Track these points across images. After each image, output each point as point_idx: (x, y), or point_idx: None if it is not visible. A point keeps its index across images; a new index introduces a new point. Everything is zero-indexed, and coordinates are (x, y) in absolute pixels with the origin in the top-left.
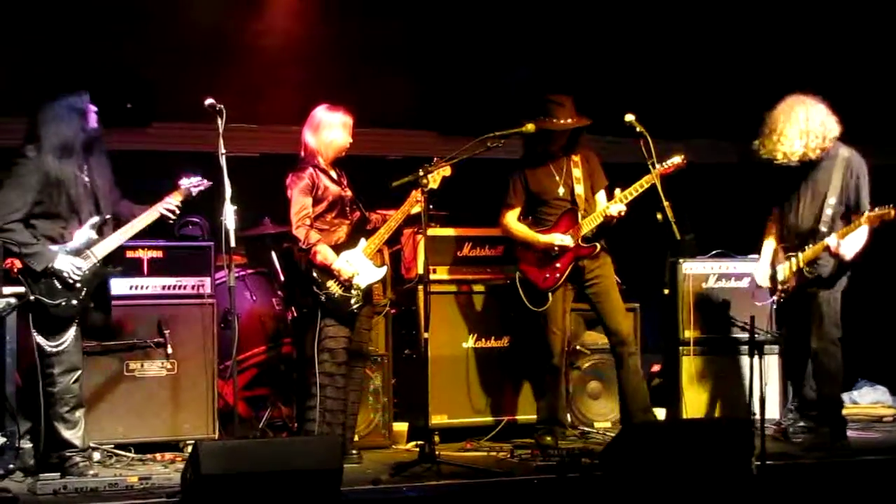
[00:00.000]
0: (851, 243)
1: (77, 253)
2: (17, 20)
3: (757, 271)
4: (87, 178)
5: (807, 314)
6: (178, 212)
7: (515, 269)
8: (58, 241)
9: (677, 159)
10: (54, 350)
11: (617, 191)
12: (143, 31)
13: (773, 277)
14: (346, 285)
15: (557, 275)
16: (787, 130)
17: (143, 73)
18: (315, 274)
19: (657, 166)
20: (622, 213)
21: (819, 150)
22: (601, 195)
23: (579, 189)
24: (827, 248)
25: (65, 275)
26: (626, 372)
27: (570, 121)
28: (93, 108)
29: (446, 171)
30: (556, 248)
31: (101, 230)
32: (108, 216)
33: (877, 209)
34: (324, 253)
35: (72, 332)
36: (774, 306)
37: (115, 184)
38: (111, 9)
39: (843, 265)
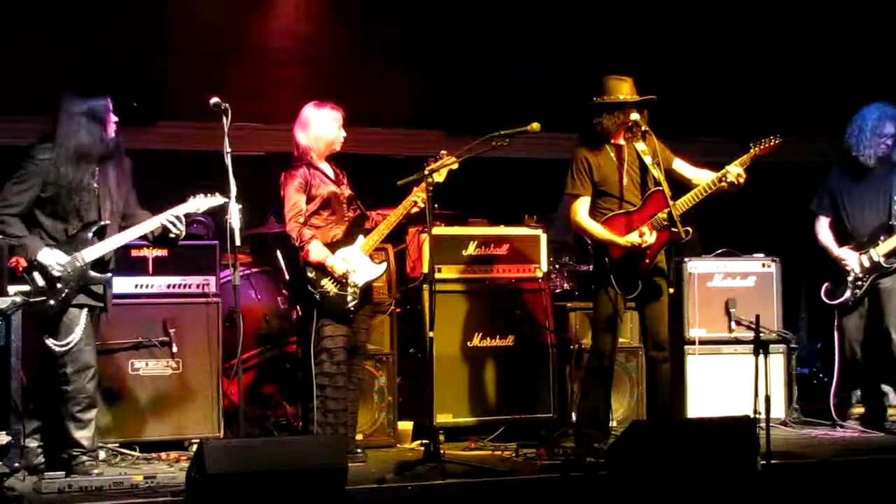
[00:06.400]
0: None
1: (66, 250)
2: (23, 19)
3: (850, 261)
4: (96, 185)
5: (879, 311)
6: (179, 225)
7: (598, 257)
8: (60, 241)
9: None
10: (63, 350)
11: (728, 166)
12: (150, 29)
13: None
14: (342, 283)
15: (647, 260)
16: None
17: (149, 71)
18: (310, 272)
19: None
20: (741, 180)
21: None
22: (681, 165)
23: (656, 172)
24: None
25: (47, 268)
26: (658, 377)
27: (634, 96)
28: (114, 117)
29: (454, 164)
30: (640, 247)
31: (101, 236)
32: (107, 222)
33: None
34: (316, 250)
35: (79, 331)
36: (850, 302)
37: (133, 189)
38: (118, 7)
39: None
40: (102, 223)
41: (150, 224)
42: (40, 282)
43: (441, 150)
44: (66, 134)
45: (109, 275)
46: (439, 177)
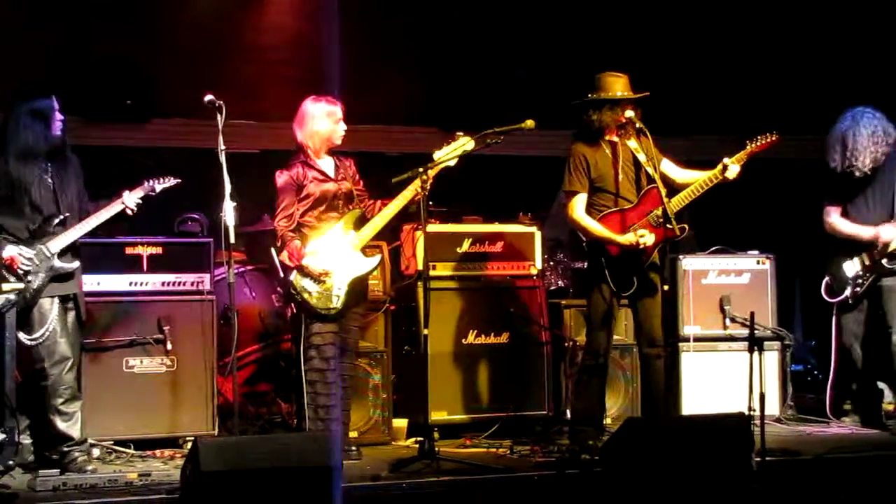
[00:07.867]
0: None
1: (30, 246)
2: (17, 16)
3: (885, 233)
4: (50, 180)
5: (880, 310)
6: (135, 209)
7: (594, 254)
8: (23, 239)
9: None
10: (34, 343)
11: (725, 159)
12: (144, 27)
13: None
14: (322, 282)
15: (645, 257)
16: (860, 145)
17: (143, 69)
18: (290, 274)
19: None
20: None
21: (885, 154)
22: (668, 166)
23: (650, 169)
24: None
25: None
26: (652, 374)
27: (630, 93)
28: (59, 115)
29: (468, 143)
30: (639, 246)
31: (63, 227)
32: (67, 214)
33: None
34: (291, 252)
35: (52, 323)
36: (850, 301)
37: (85, 185)
38: (112, 4)
39: None
40: (63, 216)
41: (111, 210)
42: (10, 278)
43: (434, 150)
44: (11, 134)
45: (77, 263)
46: (452, 160)
